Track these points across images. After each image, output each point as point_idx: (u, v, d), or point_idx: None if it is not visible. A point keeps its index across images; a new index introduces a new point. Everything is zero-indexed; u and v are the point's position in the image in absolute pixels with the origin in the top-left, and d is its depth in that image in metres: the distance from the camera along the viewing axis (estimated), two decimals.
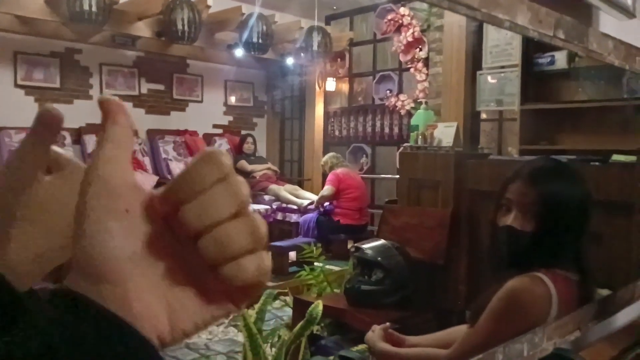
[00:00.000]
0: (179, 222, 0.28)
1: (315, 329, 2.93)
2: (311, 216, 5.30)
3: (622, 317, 1.19)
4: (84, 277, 0.27)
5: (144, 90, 5.96)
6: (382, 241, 2.67)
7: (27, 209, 0.36)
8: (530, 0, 0.81)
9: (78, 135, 5.36)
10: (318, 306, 1.86)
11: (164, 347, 0.28)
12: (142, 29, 4.99)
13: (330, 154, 5.63)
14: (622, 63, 1.15)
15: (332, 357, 1.28)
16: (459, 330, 1.38)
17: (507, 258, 1.26)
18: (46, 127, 0.35)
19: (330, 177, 5.33)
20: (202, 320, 0.30)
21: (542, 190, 1.20)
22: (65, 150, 0.40)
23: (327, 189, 5.26)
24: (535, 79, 3.51)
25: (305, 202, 5.55)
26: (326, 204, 5.31)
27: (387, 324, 1.47)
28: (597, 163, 2.45)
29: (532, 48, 3.49)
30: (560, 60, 3.37)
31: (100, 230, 0.27)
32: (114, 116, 0.31)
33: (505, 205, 1.25)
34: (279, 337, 2.46)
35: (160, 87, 6.10)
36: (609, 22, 1.08)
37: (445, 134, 2.96)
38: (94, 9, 4.14)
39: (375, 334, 1.49)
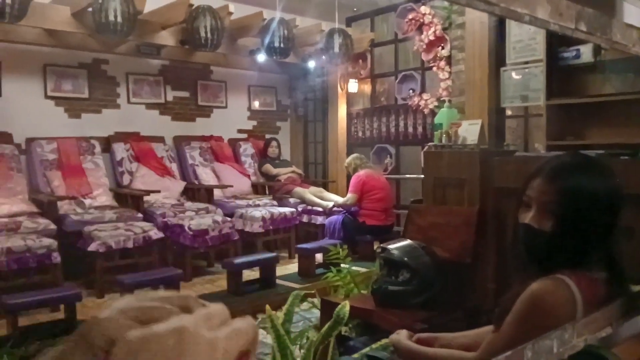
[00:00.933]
0: None
1: (344, 330, 2.93)
2: (336, 218, 5.31)
3: None
4: None
5: (169, 98, 6.06)
6: (408, 241, 2.66)
7: None
8: None
9: (107, 144, 5.49)
10: (345, 307, 1.86)
11: None
12: (166, 38, 5.08)
13: (353, 155, 5.64)
14: None
15: (358, 354, 1.28)
16: (488, 331, 1.36)
17: (527, 258, 1.24)
18: None
19: (353, 180, 5.33)
20: None
21: (561, 187, 1.15)
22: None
23: (350, 197, 5.28)
24: (560, 74, 3.46)
25: (331, 204, 5.56)
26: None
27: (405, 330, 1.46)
28: (626, 157, 2.40)
29: (556, 42, 3.44)
30: (586, 53, 3.31)
31: None
32: None
33: (526, 202, 1.23)
34: (307, 338, 2.47)
35: (186, 94, 6.20)
36: (634, 12, 1.06)
37: (470, 131, 2.93)
38: (119, 19, 4.23)
39: (400, 334, 1.49)
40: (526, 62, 3.66)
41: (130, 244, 4.19)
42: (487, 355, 1.16)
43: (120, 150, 5.48)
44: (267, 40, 5.22)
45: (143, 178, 5.35)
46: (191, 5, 4.72)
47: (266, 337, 3.46)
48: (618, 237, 1.23)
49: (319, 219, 5.63)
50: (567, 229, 1.15)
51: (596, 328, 1.01)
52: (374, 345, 1.97)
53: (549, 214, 1.17)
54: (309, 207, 5.76)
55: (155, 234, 4.36)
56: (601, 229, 1.16)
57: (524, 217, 1.22)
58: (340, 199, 5.58)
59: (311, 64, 6.14)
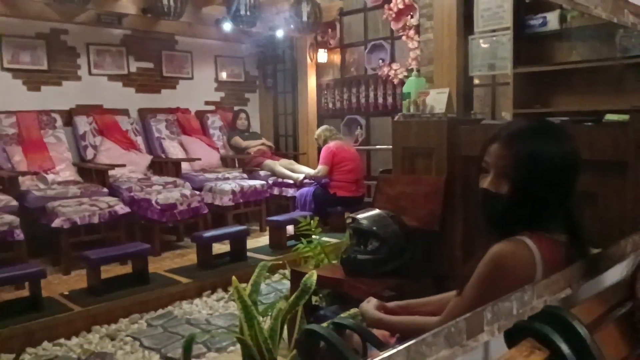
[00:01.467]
0: None
1: (314, 299, 2.95)
2: (307, 190, 5.29)
3: (613, 274, 1.18)
4: None
5: (133, 69, 5.88)
6: (377, 211, 2.66)
7: None
8: None
9: (69, 117, 5.32)
10: (312, 276, 1.86)
11: None
12: (128, 7, 4.90)
13: (323, 127, 5.60)
14: (609, 16, 1.13)
15: (326, 323, 1.28)
16: (452, 296, 1.38)
17: (488, 222, 1.25)
18: None
19: (323, 152, 5.31)
20: None
21: (516, 151, 1.16)
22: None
23: (321, 169, 5.26)
24: (527, 42, 3.47)
25: (301, 176, 5.54)
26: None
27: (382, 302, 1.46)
28: (590, 123, 2.43)
29: (523, 10, 3.43)
30: (552, 21, 3.32)
31: None
32: None
33: (484, 168, 1.23)
34: (278, 309, 2.47)
35: (150, 65, 6.02)
36: None
37: (438, 100, 2.92)
38: None
39: (369, 303, 1.49)
40: (494, 30, 3.66)
41: (95, 219, 4.10)
42: (450, 319, 1.17)
43: (83, 123, 5.32)
44: (233, 9, 5.09)
45: (107, 152, 5.22)
46: None
47: (237, 310, 3.48)
48: (579, 202, 1.24)
49: (290, 192, 5.61)
50: (523, 193, 1.16)
51: (556, 289, 1.03)
52: (343, 314, 1.98)
53: (506, 178, 1.17)
54: (280, 180, 5.73)
55: (122, 208, 4.28)
56: (558, 192, 1.17)
57: (483, 182, 1.22)
58: (311, 171, 5.56)
59: (279, 34, 6.03)
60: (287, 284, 3.56)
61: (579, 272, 1.09)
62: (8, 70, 5.04)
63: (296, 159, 6.35)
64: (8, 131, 4.82)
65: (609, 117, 2.46)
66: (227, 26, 5.46)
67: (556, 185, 1.16)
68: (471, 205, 2.59)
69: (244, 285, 1.85)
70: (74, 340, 3.12)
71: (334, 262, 3.20)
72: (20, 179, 4.42)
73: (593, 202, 2.06)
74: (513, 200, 1.17)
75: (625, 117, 2.27)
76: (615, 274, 1.19)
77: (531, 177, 1.15)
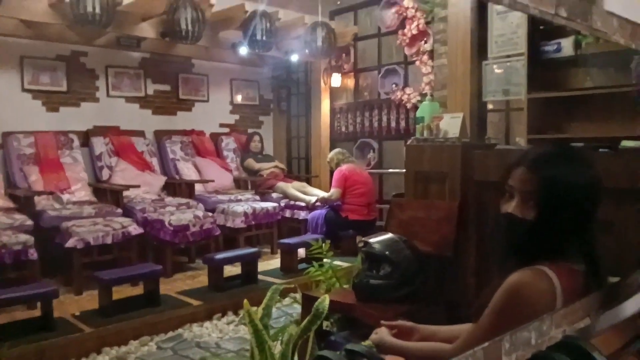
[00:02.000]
0: None
1: (325, 325, 2.91)
2: (319, 213, 5.28)
3: (632, 304, 1.15)
4: None
5: (150, 92, 5.97)
6: (389, 235, 2.64)
7: None
8: None
9: (86, 138, 5.39)
10: (325, 300, 1.84)
11: None
12: (147, 30, 4.99)
13: (336, 150, 5.61)
14: (628, 42, 1.12)
15: (339, 352, 1.26)
16: (466, 328, 1.35)
17: (509, 248, 1.23)
18: None
19: (336, 175, 5.31)
20: None
21: (542, 176, 1.15)
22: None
23: (334, 192, 5.25)
24: (541, 68, 3.46)
25: (313, 199, 5.54)
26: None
27: (392, 326, 1.44)
28: (606, 150, 2.41)
29: (538, 36, 3.44)
30: (567, 47, 3.32)
31: None
32: None
33: (508, 192, 1.22)
34: (288, 334, 2.45)
35: (167, 87, 6.11)
36: (614, 0, 1.05)
37: (452, 125, 2.92)
38: (97, 10, 4.14)
39: (381, 332, 1.47)
40: (508, 56, 3.67)
41: (109, 240, 4.12)
42: (466, 347, 1.15)
43: (100, 144, 5.39)
44: (249, 33, 5.16)
45: (123, 173, 5.26)
46: None
47: (247, 333, 3.44)
48: (597, 230, 1.22)
49: (302, 214, 5.60)
50: (549, 218, 1.14)
51: (574, 319, 1.00)
52: (363, 343, 1.95)
53: (532, 203, 1.16)
54: (292, 202, 5.73)
55: (135, 229, 4.30)
56: (581, 218, 1.16)
57: (507, 206, 1.21)
58: (323, 194, 5.55)
59: (294, 58, 6.09)
60: (297, 308, 3.53)
61: (598, 301, 1.06)
62: (28, 91, 5.14)
63: (308, 181, 6.36)
64: (26, 151, 4.89)
65: (625, 143, 2.43)
66: (243, 50, 5.54)
67: (580, 211, 1.15)
68: (485, 232, 2.56)
69: (255, 308, 1.84)
70: None
71: (345, 286, 3.18)
72: (36, 198, 4.47)
73: (609, 230, 2.02)
74: (539, 225, 1.15)
75: None
76: (634, 304, 1.16)
77: (558, 202, 1.14)
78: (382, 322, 1.52)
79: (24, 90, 5.12)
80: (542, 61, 3.44)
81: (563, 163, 1.18)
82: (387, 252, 2.53)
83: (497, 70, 3.73)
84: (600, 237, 1.25)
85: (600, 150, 2.39)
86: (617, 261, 1.75)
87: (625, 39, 1.12)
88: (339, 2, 6.36)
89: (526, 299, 1.12)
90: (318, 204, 5.44)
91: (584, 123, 3.31)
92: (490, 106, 4.10)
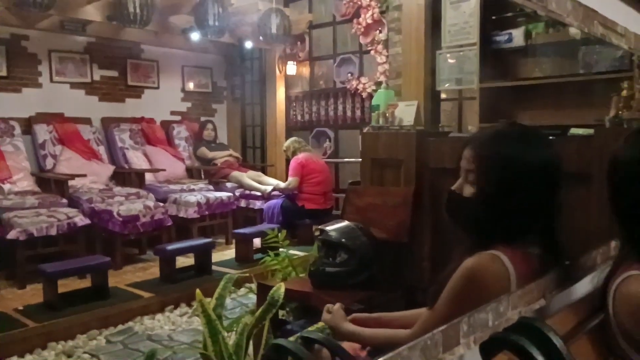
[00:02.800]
0: None
1: (281, 314, 2.88)
2: (275, 202, 5.23)
3: (585, 285, 1.18)
4: None
5: (96, 77, 5.73)
6: (345, 222, 2.63)
7: None
8: None
9: (28, 125, 5.12)
10: (280, 288, 1.81)
11: None
12: (92, 13, 4.77)
13: (292, 138, 5.56)
14: (580, 25, 1.13)
15: (293, 337, 1.23)
16: (422, 312, 1.35)
17: (456, 226, 1.23)
18: None
19: (292, 164, 5.26)
20: None
21: (479, 152, 1.15)
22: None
23: (292, 181, 5.20)
24: (493, 57, 3.53)
25: (269, 189, 5.48)
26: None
27: (338, 304, 1.43)
28: (554, 137, 2.47)
29: (490, 26, 3.49)
30: (518, 37, 3.39)
31: None
32: None
33: (458, 174, 1.22)
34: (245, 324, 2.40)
35: (114, 73, 5.88)
36: None
37: (406, 112, 2.93)
38: None
39: (336, 314, 1.45)
40: (461, 46, 3.71)
41: (53, 231, 3.94)
42: (423, 333, 1.14)
43: (43, 132, 5.13)
44: (200, 18, 5.02)
45: (68, 162, 5.04)
46: None
47: (201, 325, 3.37)
48: (551, 213, 1.21)
49: (257, 204, 5.54)
50: (485, 194, 1.13)
51: (530, 300, 1.01)
52: (311, 328, 1.93)
53: (471, 180, 1.16)
54: (247, 192, 5.66)
55: (81, 220, 4.13)
56: (527, 199, 1.13)
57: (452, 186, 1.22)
58: (280, 183, 5.50)
59: (248, 45, 5.99)
60: (253, 298, 3.48)
61: (552, 282, 1.07)
62: None
63: (264, 170, 6.28)
64: None
65: (574, 131, 2.50)
66: (195, 36, 5.39)
67: (521, 190, 1.12)
68: (440, 218, 2.58)
69: (208, 299, 1.78)
70: (28, 357, 2.96)
71: (301, 275, 3.15)
72: None
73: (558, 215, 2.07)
74: (476, 202, 1.15)
75: (590, 131, 2.31)
76: (586, 285, 1.18)
77: (491, 178, 1.12)
78: (330, 305, 1.50)
79: None
80: (494, 51, 3.50)
81: (502, 140, 1.17)
82: (343, 240, 2.51)
83: (450, 60, 3.77)
84: (555, 220, 1.26)
85: (550, 137, 2.45)
86: (567, 244, 1.79)
87: (577, 21, 1.12)
88: None
89: (480, 282, 1.11)
90: (275, 192, 5.38)
91: (535, 111, 3.39)
92: (443, 95, 4.15)
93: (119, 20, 4.66)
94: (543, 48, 3.38)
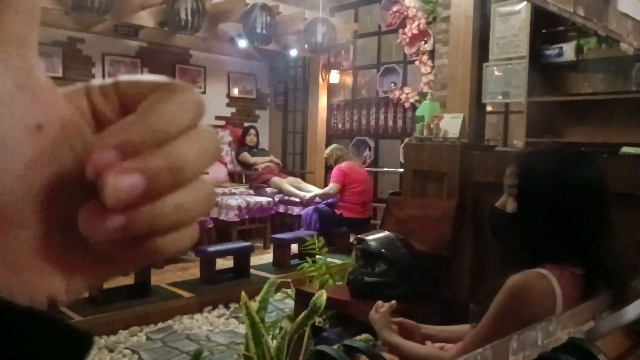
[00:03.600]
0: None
1: (318, 320, 2.90)
2: (313, 209, 5.26)
3: (636, 308, 1.15)
4: None
5: None
6: (385, 233, 2.63)
7: None
8: None
9: None
10: (322, 296, 1.83)
11: (57, 306, 0.22)
12: (145, 19, 4.94)
13: (333, 146, 5.59)
14: None
15: (336, 346, 1.25)
16: (467, 329, 1.35)
17: (499, 243, 1.23)
18: None
19: (335, 172, 5.28)
20: (96, 279, 0.23)
21: (524, 169, 1.16)
22: None
23: (332, 187, 5.21)
24: (542, 71, 3.46)
25: (308, 195, 5.51)
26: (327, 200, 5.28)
27: (393, 302, 1.44)
28: (604, 155, 2.41)
29: (539, 40, 3.44)
30: (569, 52, 3.32)
31: (8, 148, 0.19)
32: None
33: (502, 191, 1.23)
34: (281, 328, 2.43)
35: (163, 77, 6.05)
36: (627, 1, 1.04)
37: (452, 125, 2.91)
38: None
39: (383, 318, 1.46)
40: (509, 59, 3.65)
41: None
42: (468, 351, 1.14)
43: None
44: (248, 26, 5.12)
45: None
46: None
47: (238, 327, 3.43)
48: (600, 234, 1.20)
49: (296, 210, 5.58)
50: (528, 211, 1.13)
51: (580, 321, 1.00)
52: (356, 338, 1.94)
53: (515, 197, 1.16)
54: (286, 198, 5.71)
55: None
56: (572, 218, 1.12)
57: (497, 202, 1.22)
58: (317, 190, 5.53)
59: (293, 53, 6.06)
60: (289, 303, 3.51)
61: (602, 304, 1.06)
62: None
63: (303, 177, 6.34)
64: None
65: (625, 149, 2.44)
66: (242, 43, 5.50)
67: (565, 209, 1.12)
68: (482, 232, 2.56)
69: (252, 302, 1.82)
70: None
71: (338, 283, 3.16)
72: None
73: (609, 235, 2.02)
74: (518, 219, 1.15)
75: None
76: (637, 309, 1.15)
77: (534, 195, 1.13)
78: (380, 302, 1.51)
79: None
80: (543, 65, 3.44)
81: (545, 159, 1.18)
82: (383, 250, 2.52)
83: (497, 73, 3.73)
84: (602, 241, 1.24)
85: (600, 155, 2.39)
86: (616, 266, 1.75)
87: (638, 41, 1.11)
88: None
89: (526, 301, 1.11)
90: (318, 199, 5.41)
91: (583, 128, 3.31)
92: (489, 108, 4.09)
93: (170, 27, 4.81)
94: (595, 63, 3.30)
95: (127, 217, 0.19)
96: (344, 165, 5.25)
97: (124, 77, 0.23)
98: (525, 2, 3.39)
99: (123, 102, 0.22)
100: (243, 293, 1.76)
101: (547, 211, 1.12)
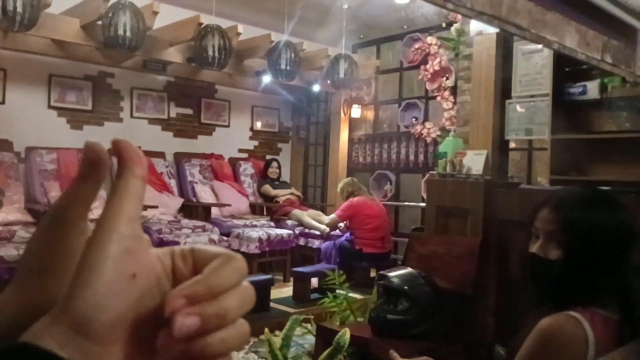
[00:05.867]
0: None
1: (339, 358, 2.87)
2: (333, 243, 5.25)
3: None
4: (73, 330, 0.26)
5: (172, 114, 6.06)
6: (408, 269, 2.62)
7: (62, 259, 0.33)
8: (577, 22, 0.80)
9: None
10: (345, 334, 1.82)
11: None
12: (174, 55, 5.10)
13: (346, 180, 5.57)
14: None
15: None
16: None
17: (537, 290, 1.21)
18: (91, 165, 0.32)
19: (344, 205, 5.25)
20: None
21: (565, 216, 1.15)
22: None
23: (331, 221, 5.25)
24: (565, 109, 3.46)
25: (328, 229, 5.51)
26: (347, 234, 5.27)
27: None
28: (632, 195, 2.38)
29: (563, 77, 3.45)
30: (592, 90, 3.32)
31: (108, 291, 0.27)
32: (133, 166, 0.30)
33: (534, 234, 1.22)
34: None
35: (189, 111, 6.20)
36: None
37: (475, 161, 2.92)
38: (128, 34, 4.24)
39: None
40: (532, 96, 3.67)
41: None
42: None
43: None
44: (273, 62, 5.24)
45: None
46: (200, 24, 4.75)
47: None
48: (631, 276, 1.19)
49: (316, 243, 5.57)
50: (572, 259, 1.13)
51: None
52: None
53: (555, 243, 1.15)
54: (307, 230, 5.71)
55: None
56: (610, 263, 1.13)
57: (532, 247, 1.21)
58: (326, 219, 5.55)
59: (315, 88, 6.17)
60: (309, 338, 3.48)
61: (636, 351, 1.04)
62: (54, 108, 5.25)
63: (324, 210, 6.35)
64: (48, 167, 4.96)
65: None
66: (267, 78, 5.62)
67: (607, 255, 1.13)
68: (507, 271, 2.52)
69: (274, 338, 1.81)
70: None
71: (359, 319, 3.13)
72: None
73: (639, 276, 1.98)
74: (562, 266, 1.14)
75: None
76: None
77: (580, 243, 1.13)
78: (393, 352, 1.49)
79: (50, 107, 5.23)
80: (567, 102, 3.44)
81: (587, 204, 1.18)
82: (405, 287, 2.50)
83: (520, 110, 3.74)
84: (634, 285, 1.23)
85: (628, 194, 2.36)
86: None
87: None
88: (361, 36, 6.45)
89: (557, 345, 1.09)
90: (334, 233, 5.41)
91: (608, 166, 3.28)
92: (512, 144, 4.09)
93: (198, 63, 4.95)
94: (619, 102, 3.29)
95: (186, 344, 0.27)
96: (355, 199, 5.23)
97: (198, 246, 0.32)
98: None
99: (195, 263, 0.31)
100: (266, 330, 1.76)
101: (592, 258, 1.12)
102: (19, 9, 3.71)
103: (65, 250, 0.32)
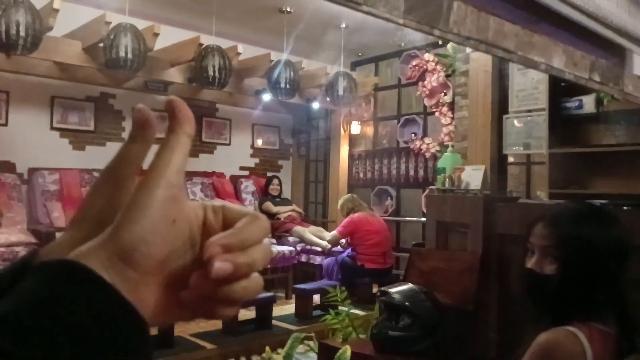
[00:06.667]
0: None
1: None
2: (335, 259, 5.25)
3: None
4: (117, 257, 0.29)
5: None
6: (409, 285, 2.62)
7: (110, 214, 0.35)
8: (564, 44, 0.82)
9: None
10: (346, 351, 1.82)
11: None
12: (175, 75, 5.16)
13: (346, 196, 5.59)
14: None
15: None
16: None
17: (535, 305, 1.23)
18: (140, 126, 0.35)
19: (345, 221, 5.27)
20: (169, 319, 0.35)
21: (561, 232, 1.16)
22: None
23: (332, 238, 5.26)
24: (563, 123, 3.50)
25: (330, 245, 5.51)
26: (348, 250, 5.28)
27: None
28: (629, 208, 2.40)
29: (559, 92, 3.49)
30: (589, 104, 3.36)
31: (153, 229, 0.30)
32: (185, 124, 0.34)
33: (530, 249, 1.23)
34: None
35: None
36: None
37: (473, 176, 2.94)
38: (129, 55, 4.30)
39: None
40: (529, 111, 3.70)
41: None
42: None
43: None
44: (273, 81, 5.30)
45: None
46: (201, 44, 4.81)
47: None
48: (628, 290, 1.21)
49: (318, 259, 5.58)
50: (568, 274, 1.14)
51: None
52: None
53: (550, 258, 1.17)
54: (308, 247, 5.72)
55: None
56: (606, 277, 1.15)
57: (528, 263, 1.22)
58: (326, 235, 5.56)
59: (315, 105, 6.22)
60: (311, 356, 3.47)
61: None
62: (56, 129, 5.30)
63: (325, 226, 6.36)
64: (50, 187, 4.99)
65: None
66: (267, 97, 5.68)
67: (602, 269, 1.14)
68: (507, 286, 2.53)
69: (274, 356, 1.82)
70: None
71: (362, 336, 3.13)
72: (57, 235, 4.53)
73: (636, 289, 1.99)
74: (558, 281, 1.15)
75: None
76: None
77: (575, 258, 1.14)
78: None
79: (53, 128, 5.28)
80: (564, 117, 3.48)
81: (581, 219, 1.19)
82: (407, 303, 2.50)
83: (517, 124, 3.77)
84: (632, 299, 1.24)
85: (624, 208, 2.38)
86: None
87: None
88: (360, 54, 6.53)
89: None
90: (335, 249, 5.42)
91: (606, 179, 3.30)
92: (510, 159, 4.12)
93: (198, 82, 5.01)
94: (615, 115, 3.33)
95: (215, 287, 0.32)
96: (356, 216, 5.24)
97: (228, 203, 0.36)
98: None
99: (225, 218, 0.35)
100: (267, 348, 1.76)
101: (587, 273, 1.13)
102: (22, 33, 3.78)
103: (113, 207, 0.34)
